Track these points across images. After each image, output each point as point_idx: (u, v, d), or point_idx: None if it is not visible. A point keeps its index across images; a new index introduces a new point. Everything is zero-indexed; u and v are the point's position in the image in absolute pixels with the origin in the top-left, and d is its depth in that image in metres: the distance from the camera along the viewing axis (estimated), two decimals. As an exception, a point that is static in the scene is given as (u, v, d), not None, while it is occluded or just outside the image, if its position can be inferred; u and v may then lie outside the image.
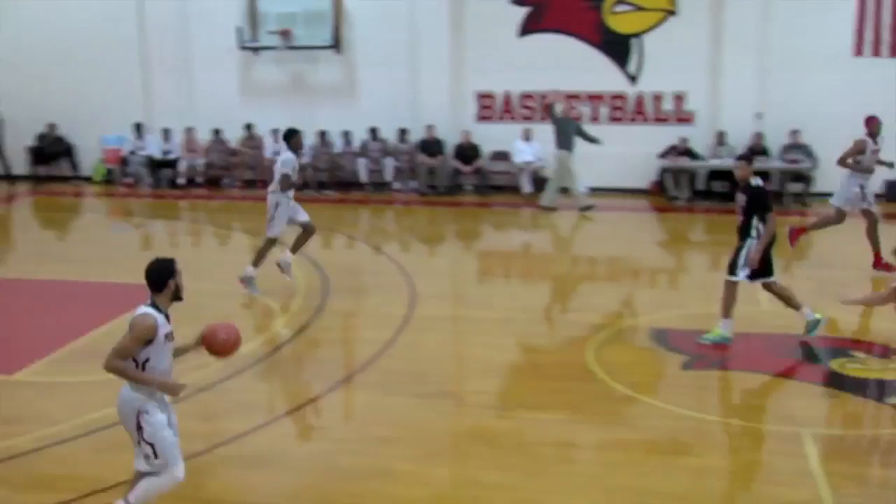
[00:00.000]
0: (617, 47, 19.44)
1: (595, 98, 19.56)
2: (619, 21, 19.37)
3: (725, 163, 18.46)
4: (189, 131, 20.94)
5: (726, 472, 7.17)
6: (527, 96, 19.97)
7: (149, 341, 5.63)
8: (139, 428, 5.70)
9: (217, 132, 20.98)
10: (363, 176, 20.23)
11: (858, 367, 9.36)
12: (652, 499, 6.66)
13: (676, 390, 8.85)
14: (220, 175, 21.10)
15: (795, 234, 13.48)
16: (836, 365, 9.37)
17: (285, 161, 11.81)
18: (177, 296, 5.86)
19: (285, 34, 20.22)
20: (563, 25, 19.51)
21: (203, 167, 21.05)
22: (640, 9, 19.26)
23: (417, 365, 9.63)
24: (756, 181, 9.79)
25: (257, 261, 12.08)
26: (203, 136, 21.03)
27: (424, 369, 9.46)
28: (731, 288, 9.89)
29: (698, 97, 19.19)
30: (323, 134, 20.44)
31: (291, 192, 11.96)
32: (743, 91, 18.64)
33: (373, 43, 20.02)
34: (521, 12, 19.67)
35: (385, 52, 19.88)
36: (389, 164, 20.21)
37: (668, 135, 19.06)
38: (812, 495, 6.67)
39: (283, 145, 12.28)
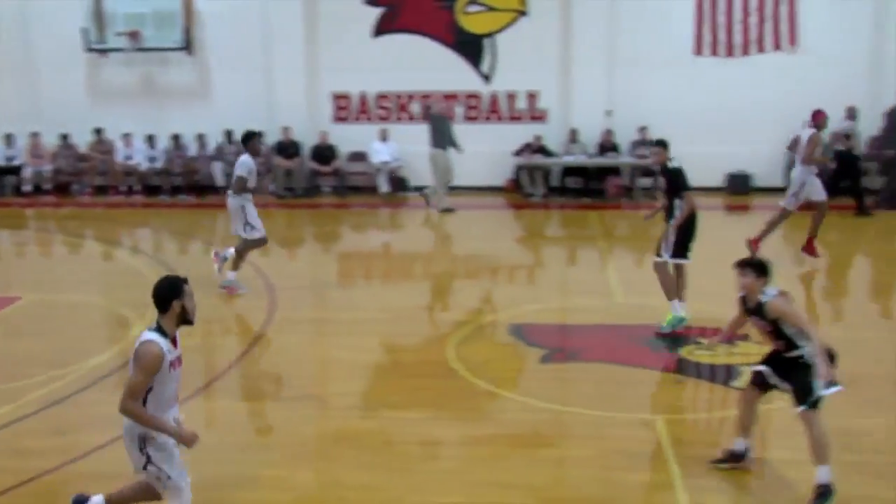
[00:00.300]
0: (470, 47, 19.73)
1: (450, 97, 19.79)
2: (472, 21, 19.66)
3: (578, 159, 19.04)
4: (34, 136, 20.17)
5: (585, 461, 7.37)
6: (382, 97, 20.05)
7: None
8: (145, 457, 5.49)
9: (65, 137, 20.28)
10: (219, 180, 19.89)
11: (707, 353, 9.77)
12: (514, 491, 6.81)
13: (536, 384, 9.07)
14: (69, 181, 20.41)
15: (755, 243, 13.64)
16: (685, 352, 9.77)
17: (241, 164, 11.92)
18: (184, 319, 5.50)
19: (134, 36, 19.72)
20: (417, 26, 19.68)
21: (51, 173, 20.31)
22: (491, 9, 19.60)
23: (279, 368, 9.57)
24: (673, 163, 10.28)
25: (237, 263, 12.21)
26: (50, 141, 20.29)
27: (286, 373, 9.41)
28: (662, 269, 10.24)
29: (550, 96, 19.66)
30: (176, 137, 20.01)
31: (250, 196, 12.08)
32: (593, 89, 19.20)
33: (225, 44, 19.74)
34: (375, 13, 19.75)
35: (238, 52, 19.63)
36: (246, 167, 19.90)
37: (523, 133, 19.46)
38: (664, 478, 6.96)
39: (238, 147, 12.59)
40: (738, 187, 19.30)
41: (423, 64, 19.55)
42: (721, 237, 14.67)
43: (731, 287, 12.02)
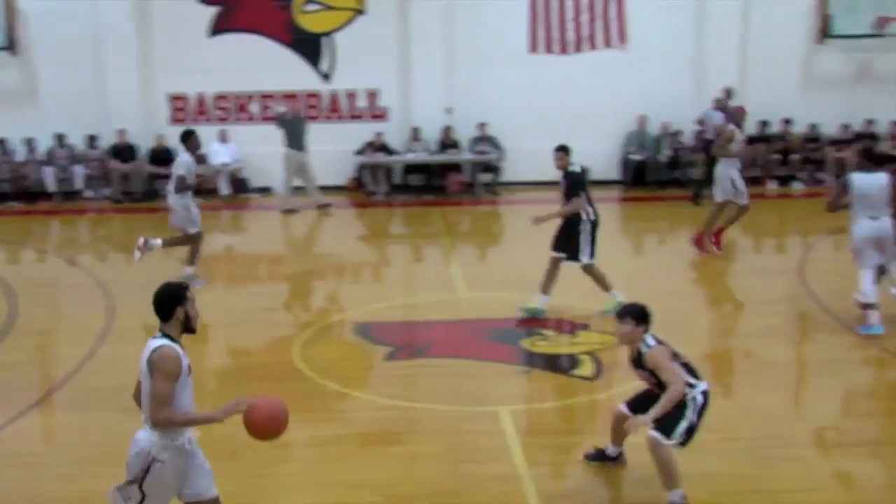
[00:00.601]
0: (308, 46, 19.60)
1: (290, 97, 19.60)
2: (310, 20, 19.54)
3: (420, 157, 19.21)
4: None
5: (433, 456, 7.48)
6: (221, 97, 19.70)
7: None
8: (144, 474, 5.17)
9: None
10: (51, 185, 19.11)
11: (548, 344, 10.06)
12: (363, 490, 6.85)
13: (383, 382, 9.15)
14: None
15: (699, 241, 13.80)
16: (527, 344, 10.03)
17: (180, 163, 12.17)
18: (188, 326, 5.31)
19: (-48, 36, 18.74)
20: (254, 25, 19.41)
21: None
22: (329, 8, 19.53)
23: (119, 379, 9.23)
24: (574, 167, 10.66)
25: (192, 259, 12.43)
26: None
27: (127, 383, 9.09)
28: (588, 269, 10.66)
29: (391, 94, 19.74)
30: (2, 142, 19.13)
31: (189, 194, 12.26)
32: (432, 87, 19.37)
33: (53, 43, 18.89)
34: (210, 12, 19.36)
35: (67, 52, 18.82)
36: (79, 172, 19.20)
37: (364, 131, 19.46)
38: (510, 468, 7.13)
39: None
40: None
41: (262, 64, 19.30)
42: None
43: (570, 280, 12.41)
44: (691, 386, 6.36)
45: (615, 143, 19.62)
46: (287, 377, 9.13)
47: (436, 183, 19.39)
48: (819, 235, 14.75)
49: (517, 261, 13.74)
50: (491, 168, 19.49)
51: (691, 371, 6.49)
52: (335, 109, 19.81)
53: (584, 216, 10.55)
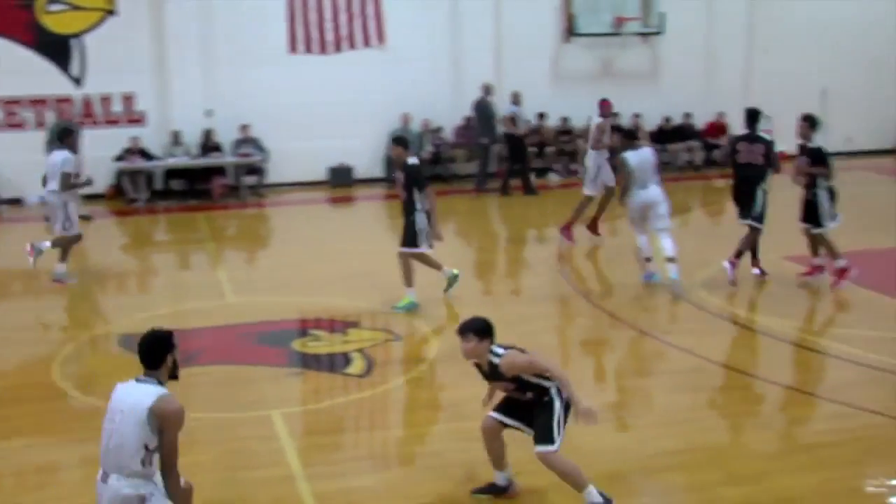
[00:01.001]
0: (56, 48, 18.69)
1: (38, 103, 18.66)
2: (55, 21, 18.64)
3: (181, 161, 18.75)
4: None
5: (207, 465, 7.36)
6: (-40, 103, 18.47)
7: None
8: None
9: None
10: None
11: (319, 344, 10.12)
12: None
13: (151, 394, 8.88)
14: None
15: (566, 230, 14.33)
16: (299, 345, 10.05)
17: (66, 160, 12.05)
18: (174, 373, 5.22)
19: None
20: (-7, 26, 18.32)
21: None
22: (76, 8, 18.71)
23: None
24: (411, 160, 10.86)
25: (63, 256, 12.44)
26: None
27: None
28: (404, 259, 10.94)
29: (148, 97, 19.16)
30: None
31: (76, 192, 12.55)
32: (191, 90, 18.95)
33: None
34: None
35: None
36: None
37: (121, 137, 18.78)
38: (285, 471, 7.15)
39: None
40: (341, 180, 20.00)
41: (4, 67, 18.21)
42: (328, 229, 15.22)
43: (339, 278, 12.53)
44: (545, 388, 6.23)
45: (379, 141, 19.91)
46: (48, 397, 8.73)
47: (199, 187, 19.00)
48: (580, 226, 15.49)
49: (285, 263, 13.73)
50: (255, 170, 19.29)
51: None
52: (89, 115, 18.99)
53: (419, 206, 10.77)
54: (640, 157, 11.67)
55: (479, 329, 6.24)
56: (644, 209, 11.72)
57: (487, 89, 19.03)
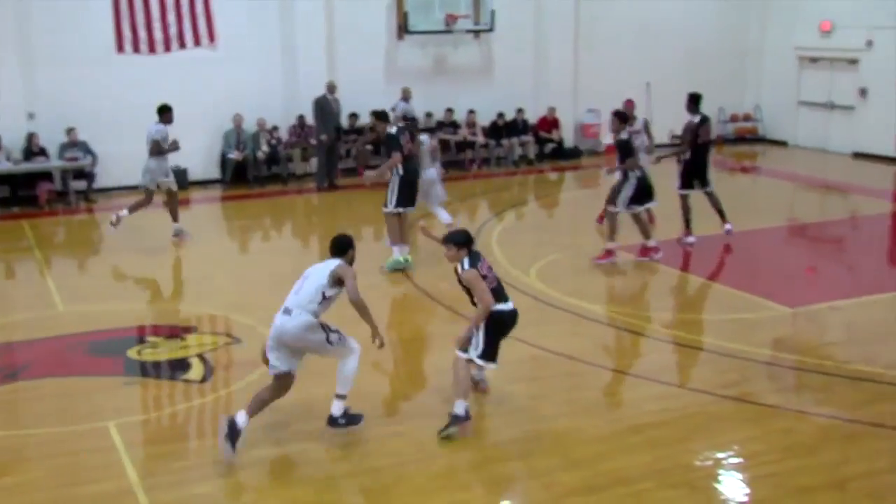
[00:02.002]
0: None
1: None
2: None
3: (3, 167, 17.90)
4: None
5: (38, 483, 7.11)
6: None
7: None
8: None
9: None
10: None
11: (155, 351, 9.92)
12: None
13: (-23, 411, 8.53)
14: None
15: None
16: (134, 353, 9.82)
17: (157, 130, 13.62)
18: (351, 261, 7.73)
19: None
20: None
21: None
22: None
23: None
24: (391, 129, 12.50)
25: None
26: None
27: None
28: (392, 220, 12.52)
29: (-38, 100, 18.19)
30: None
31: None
32: (11, 91, 18.05)
33: None
34: None
35: None
36: None
37: (-65, 143, 17.79)
38: (123, 483, 7.00)
39: None
40: (177, 182, 19.46)
41: None
42: (163, 234, 14.89)
43: (173, 282, 12.28)
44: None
45: (213, 142, 19.58)
46: None
47: (24, 194, 18.20)
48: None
49: (119, 270, 13.37)
50: (84, 174, 18.61)
51: (497, 293, 7.68)
52: None
53: (395, 172, 12.40)
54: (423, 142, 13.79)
55: (459, 240, 7.73)
56: (425, 189, 13.45)
57: (331, 88, 19.05)
